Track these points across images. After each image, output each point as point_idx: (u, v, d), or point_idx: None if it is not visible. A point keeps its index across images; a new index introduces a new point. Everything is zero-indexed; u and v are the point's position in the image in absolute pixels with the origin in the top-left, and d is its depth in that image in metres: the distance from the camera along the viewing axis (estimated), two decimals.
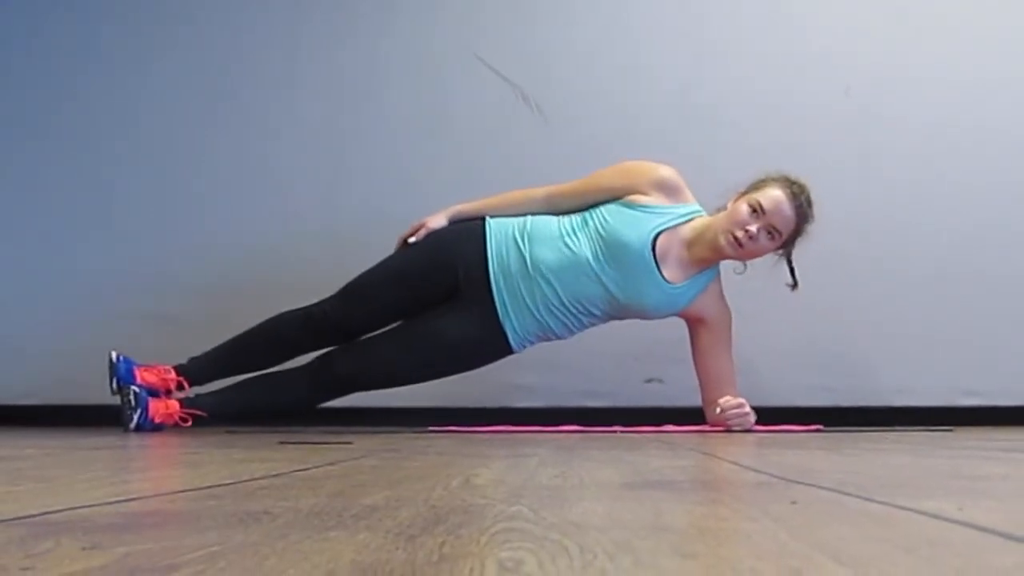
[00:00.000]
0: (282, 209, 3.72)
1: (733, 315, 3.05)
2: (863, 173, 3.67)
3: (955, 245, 3.64)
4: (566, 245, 2.94)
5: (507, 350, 3.02)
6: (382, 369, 3.02)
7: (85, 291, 3.69)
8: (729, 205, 2.92)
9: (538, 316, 2.96)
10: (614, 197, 2.97)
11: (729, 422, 2.88)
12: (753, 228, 2.83)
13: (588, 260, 2.91)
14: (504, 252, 2.97)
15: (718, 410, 2.89)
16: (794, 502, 0.91)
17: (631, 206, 2.94)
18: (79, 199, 3.77)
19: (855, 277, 3.62)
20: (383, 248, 3.12)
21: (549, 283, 2.93)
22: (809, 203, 2.90)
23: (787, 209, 2.86)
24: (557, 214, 3.04)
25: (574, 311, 2.96)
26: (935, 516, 0.79)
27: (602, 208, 2.97)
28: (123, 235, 3.74)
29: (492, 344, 3.00)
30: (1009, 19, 3.73)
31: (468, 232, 3.02)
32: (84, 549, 0.63)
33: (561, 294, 2.93)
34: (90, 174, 3.78)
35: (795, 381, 3.55)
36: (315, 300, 3.07)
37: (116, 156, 3.78)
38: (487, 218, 3.04)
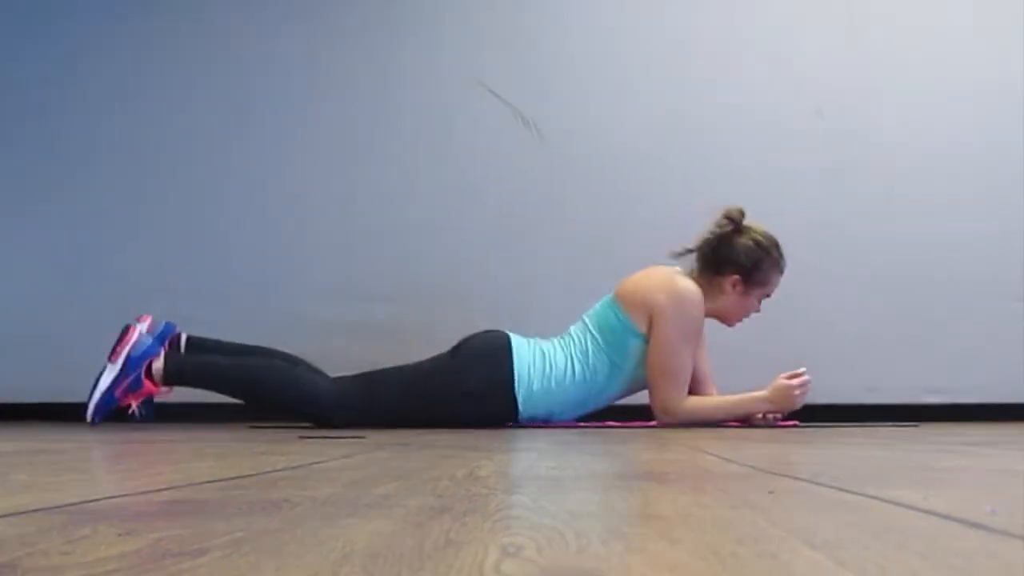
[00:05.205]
0: (298, 221, 3.76)
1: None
2: (834, 187, 3.69)
3: (920, 254, 3.65)
4: (584, 380, 2.89)
5: (512, 418, 2.89)
6: (387, 409, 2.86)
7: (119, 295, 3.70)
8: (728, 289, 2.90)
9: (555, 415, 2.92)
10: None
11: (797, 399, 2.87)
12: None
13: (601, 387, 2.90)
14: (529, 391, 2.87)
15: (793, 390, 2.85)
16: (772, 492, 0.92)
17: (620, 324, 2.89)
18: (117, 212, 3.84)
19: (828, 284, 3.63)
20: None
21: (572, 411, 2.93)
22: None
23: None
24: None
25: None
26: (902, 505, 0.79)
27: (594, 336, 2.90)
28: (155, 244, 3.79)
29: (500, 410, 2.88)
30: (975, 42, 3.74)
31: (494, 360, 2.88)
32: (120, 535, 0.63)
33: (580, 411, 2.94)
34: (125, 191, 3.83)
35: (772, 380, 3.54)
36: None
37: (149, 174, 3.84)
38: (514, 356, 2.87)
